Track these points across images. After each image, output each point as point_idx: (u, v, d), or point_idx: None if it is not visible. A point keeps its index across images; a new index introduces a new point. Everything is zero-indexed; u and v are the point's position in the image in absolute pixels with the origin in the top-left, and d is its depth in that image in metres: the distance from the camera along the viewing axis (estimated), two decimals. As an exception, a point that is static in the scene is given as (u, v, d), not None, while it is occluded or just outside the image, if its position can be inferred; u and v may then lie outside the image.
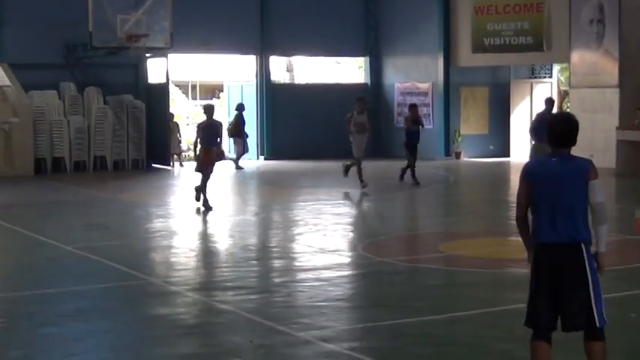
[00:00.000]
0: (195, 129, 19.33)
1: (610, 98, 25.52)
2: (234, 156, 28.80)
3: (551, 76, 32.99)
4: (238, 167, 28.24)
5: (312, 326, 9.14)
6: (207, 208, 18.04)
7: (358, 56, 35.88)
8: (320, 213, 17.93)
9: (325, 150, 30.65)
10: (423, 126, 23.95)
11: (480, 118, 32.13)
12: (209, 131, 18.28)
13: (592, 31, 26.93)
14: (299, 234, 15.68)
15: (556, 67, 33.14)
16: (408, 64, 32.65)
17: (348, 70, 42.29)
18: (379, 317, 9.65)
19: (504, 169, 28.80)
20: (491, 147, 31.57)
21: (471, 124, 31.91)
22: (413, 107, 24.23)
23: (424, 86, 31.95)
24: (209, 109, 18.62)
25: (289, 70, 40.66)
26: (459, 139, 31.34)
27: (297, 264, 13.17)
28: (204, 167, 18.31)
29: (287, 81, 39.43)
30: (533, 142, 20.25)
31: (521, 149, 31.89)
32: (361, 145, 21.64)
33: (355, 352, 8.19)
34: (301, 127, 31.32)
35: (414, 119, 23.55)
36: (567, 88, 30.83)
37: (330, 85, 35.95)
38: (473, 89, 31.87)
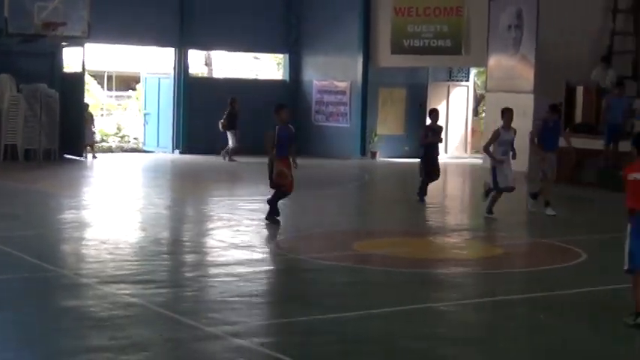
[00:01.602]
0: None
1: (524, 103, 25.76)
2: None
3: (468, 80, 33.37)
4: (231, 159, 29.22)
5: (222, 321, 9.09)
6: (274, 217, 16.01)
7: (278, 53, 35.84)
8: (234, 208, 17.86)
9: (242, 145, 30.51)
10: (441, 141, 19.54)
11: (397, 119, 32.31)
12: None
13: (510, 36, 27.25)
14: (212, 229, 15.60)
15: (473, 71, 33.53)
16: (328, 62, 32.68)
17: (267, 66, 42.29)
18: (291, 313, 9.63)
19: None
20: (407, 148, 31.70)
21: (388, 124, 32.06)
22: (434, 112, 20.17)
23: (342, 85, 32.02)
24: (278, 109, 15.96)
25: (207, 63, 40.45)
26: (375, 139, 31.48)
27: (209, 259, 13.12)
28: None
29: (205, 75, 39.24)
30: (541, 152, 17.79)
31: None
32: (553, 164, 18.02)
33: (265, 348, 8.16)
34: (218, 122, 31.09)
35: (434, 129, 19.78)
36: (483, 92, 31.17)
37: (248, 81, 35.87)
38: (391, 90, 32.03)
